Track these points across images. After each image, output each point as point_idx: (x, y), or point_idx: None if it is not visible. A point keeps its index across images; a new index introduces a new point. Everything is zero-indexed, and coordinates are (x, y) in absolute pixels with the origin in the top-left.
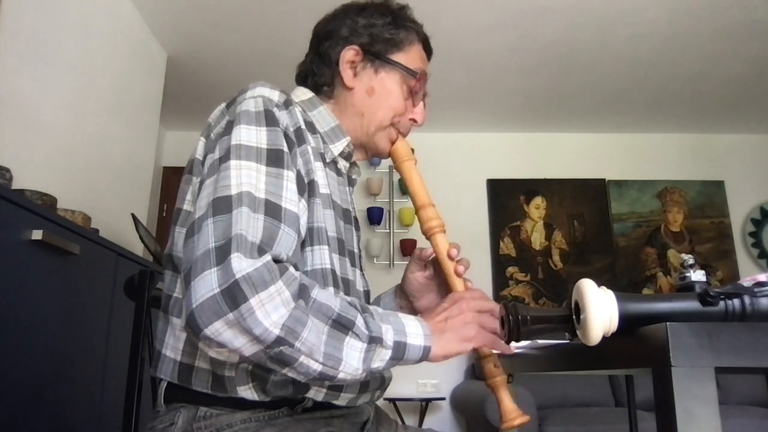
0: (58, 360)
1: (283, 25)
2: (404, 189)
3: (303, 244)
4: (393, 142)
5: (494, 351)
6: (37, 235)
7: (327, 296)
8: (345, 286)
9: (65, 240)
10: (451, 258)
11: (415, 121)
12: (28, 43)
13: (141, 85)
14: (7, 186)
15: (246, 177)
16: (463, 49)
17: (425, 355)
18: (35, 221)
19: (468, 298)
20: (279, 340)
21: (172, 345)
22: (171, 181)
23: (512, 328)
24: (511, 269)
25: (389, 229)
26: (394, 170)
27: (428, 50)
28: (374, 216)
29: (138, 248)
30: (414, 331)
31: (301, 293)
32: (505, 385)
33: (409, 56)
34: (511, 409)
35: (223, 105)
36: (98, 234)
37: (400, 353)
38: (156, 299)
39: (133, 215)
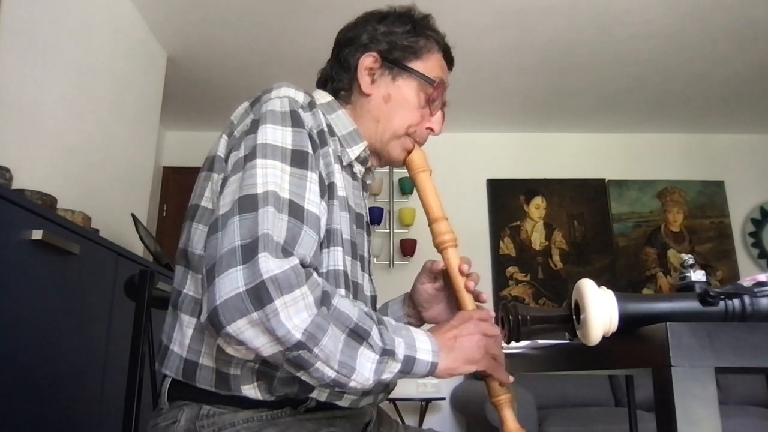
0: (58, 360)
1: (283, 25)
2: (404, 190)
3: (321, 245)
4: (409, 152)
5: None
6: (37, 235)
7: (346, 305)
8: (354, 289)
9: (65, 240)
10: (462, 273)
11: (432, 130)
12: (28, 43)
13: (141, 85)
14: (7, 186)
15: (272, 176)
16: (463, 49)
17: (431, 371)
18: (35, 221)
19: (476, 320)
20: (299, 344)
21: (180, 341)
22: (171, 181)
23: (512, 328)
24: (511, 269)
25: (389, 229)
26: (394, 170)
27: (449, 60)
28: (374, 216)
29: (138, 248)
30: (424, 346)
31: (324, 300)
32: (509, 404)
33: (428, 64)
34: (513, 428)
35: (247, 103)
36: (98, 234)
37: (409, 367)
38: (156, 299)
39: (133, 215)
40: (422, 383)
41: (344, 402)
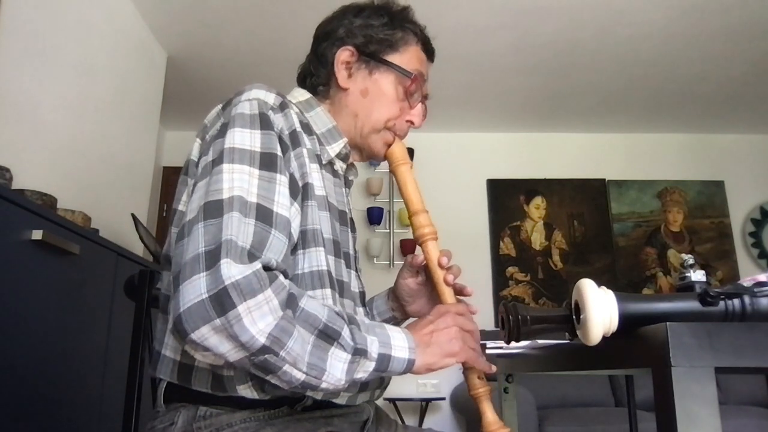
0: (58, 360)
1: (283, 25)
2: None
3: (297, 247)
4: (389, 145)
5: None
6: (37, 235)
7: (315, 306)
8: (340, 287)
9: (65, 240)
10: (441, 266)
11: (412, 123)
12: (28, 43)
13: (141, 85)
14: (7, 186)
15: (238, 181)
16: (463, 49)
17: (409, 368)
18: (35, 221)
19: (453, 313)
20: (264, 349)
21: (172, 345)
22: (171, 181)
23: (512, 328)
24: (511, 269)
25: (389, 229)
26: None
27: (429, 52)
28: (374, 216)
29: (138, 248)
30: (399, 343)
31: (290, 302)
32: (488, 397)
33: (405, 57)
34: (492, 420)
35: (219, 107)
36: (98, 234)
37: (384, 365)
38: (156, 299)
39: (133, 215)
40: (422, 383)
41: (341, 399)
